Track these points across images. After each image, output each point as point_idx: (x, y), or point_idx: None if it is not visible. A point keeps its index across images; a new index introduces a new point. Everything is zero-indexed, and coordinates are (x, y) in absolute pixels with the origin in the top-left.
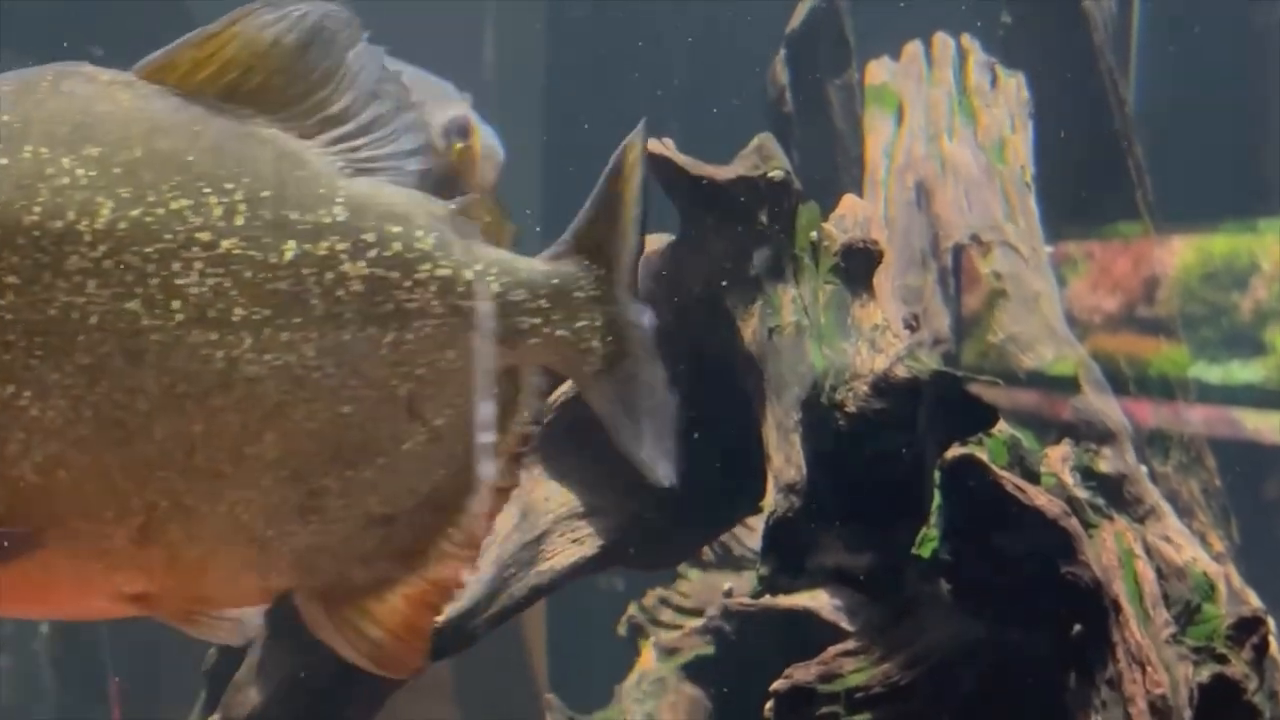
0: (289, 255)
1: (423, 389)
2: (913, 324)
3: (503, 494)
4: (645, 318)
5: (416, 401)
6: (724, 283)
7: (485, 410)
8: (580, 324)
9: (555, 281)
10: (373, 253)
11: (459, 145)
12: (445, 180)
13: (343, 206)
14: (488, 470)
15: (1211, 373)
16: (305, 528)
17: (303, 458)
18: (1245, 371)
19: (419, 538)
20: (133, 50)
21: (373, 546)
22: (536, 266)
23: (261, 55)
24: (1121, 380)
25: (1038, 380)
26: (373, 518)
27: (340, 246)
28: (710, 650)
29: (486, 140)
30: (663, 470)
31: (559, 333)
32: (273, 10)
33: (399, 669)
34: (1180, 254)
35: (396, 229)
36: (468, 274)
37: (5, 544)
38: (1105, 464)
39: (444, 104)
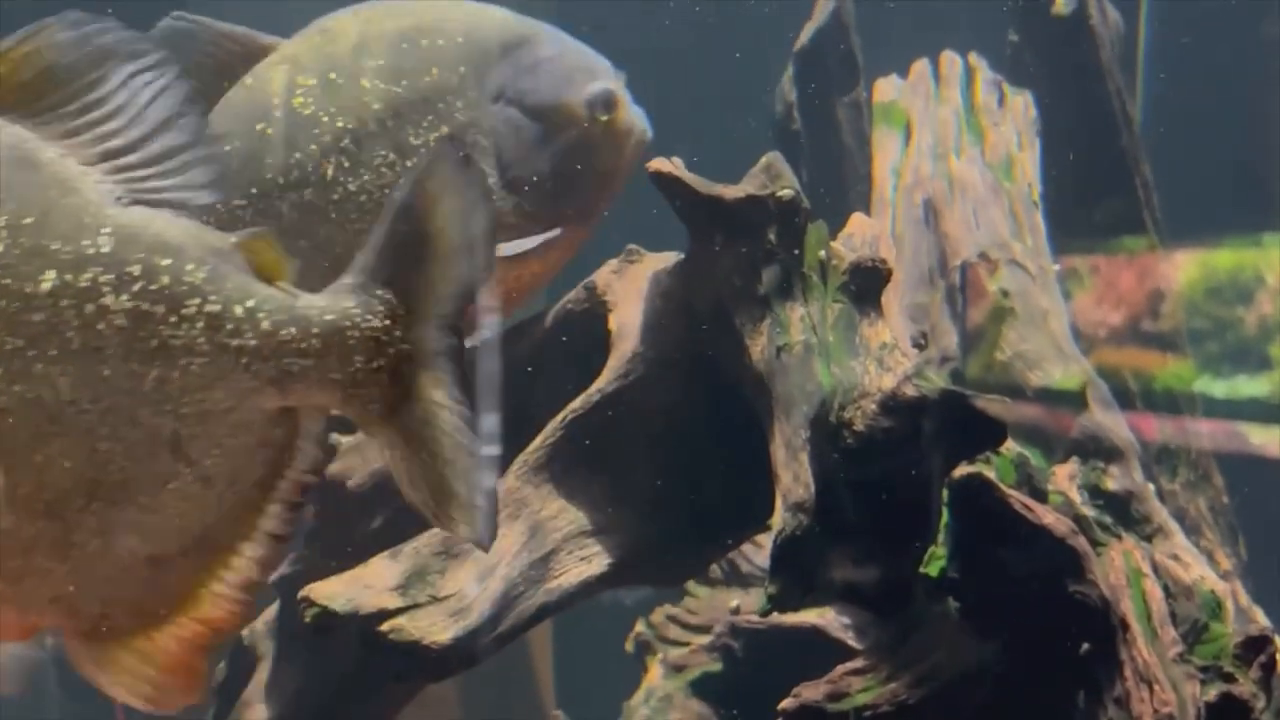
0: (47, 285)
1: (188, 429)
2: (921, 342)
3: (278, 540)
4: (450, 359)
5: (182, 441)
6: (733, 301)
7: (258, 454)
8: (356, 366)
9: (330, 319)
10: (137, 286)
11: (602, 118)
12: (582, 151)
13: (109, 237)
14: (263, 517)
15: (1217, 387)
16: (63, 565)
17: (58, 494)
18: (1251, 386)
19: (189, 579)
20: None
21: (139, 586)
22: (315, 304)
23: (47, 76)
24: (1128, 396)
25: (1045, 398)
26: (137, 557)
27: (103, 278)
28: (718, 667)
29: (631, 117)
30: (466, 529)
31: (332, 375)
32: (70, 31)
33: (171, 706)
34: (1186, 269)
35: (165, 262)
36: (238, 310)
37: None
38: (1113, 482)
39: (591, 76)
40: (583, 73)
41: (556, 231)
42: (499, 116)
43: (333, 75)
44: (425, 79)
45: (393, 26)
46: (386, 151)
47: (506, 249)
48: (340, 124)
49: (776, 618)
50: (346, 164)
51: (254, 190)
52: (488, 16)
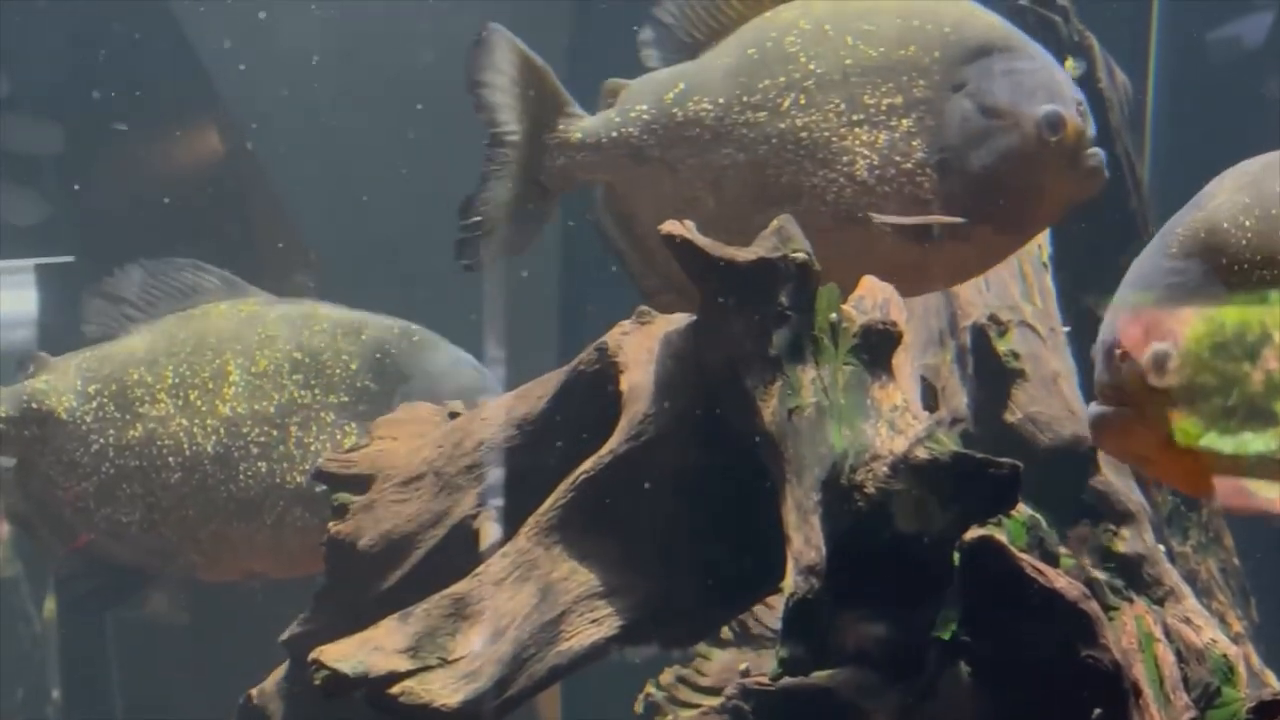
0: None
1: None
2: (932, 404)
3: None
4: None
5: None
6: (744, 363)
7: None
8: None
9: None
10: None
11: (1051, 139)
12: (1023, 163)
13: None
14: None
15: (1224, 444)
16: None
17: None
18: (1258, 442)
19: None
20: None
21: None
22: None
23: None
24: None
25: (1056, 460)
26: None
27: None
28: None
29: (1085, 150)
30: None
31: None
32: None
33: None
34: (1191, 325)
35: None
36: None
37: None
38: (1124, 545)
39: (1051, 97)
40: (1045, 91)
41: (958, 220)
42: (954, 105)
43: (827, 27)
44: (900, 52)
45: (895, 3)
46: (839, 101)
47: (903, 220)
48: (811, 66)
49: (788, 680)
50: (802, 101)
51: (721, 100)
52: (980, 19)
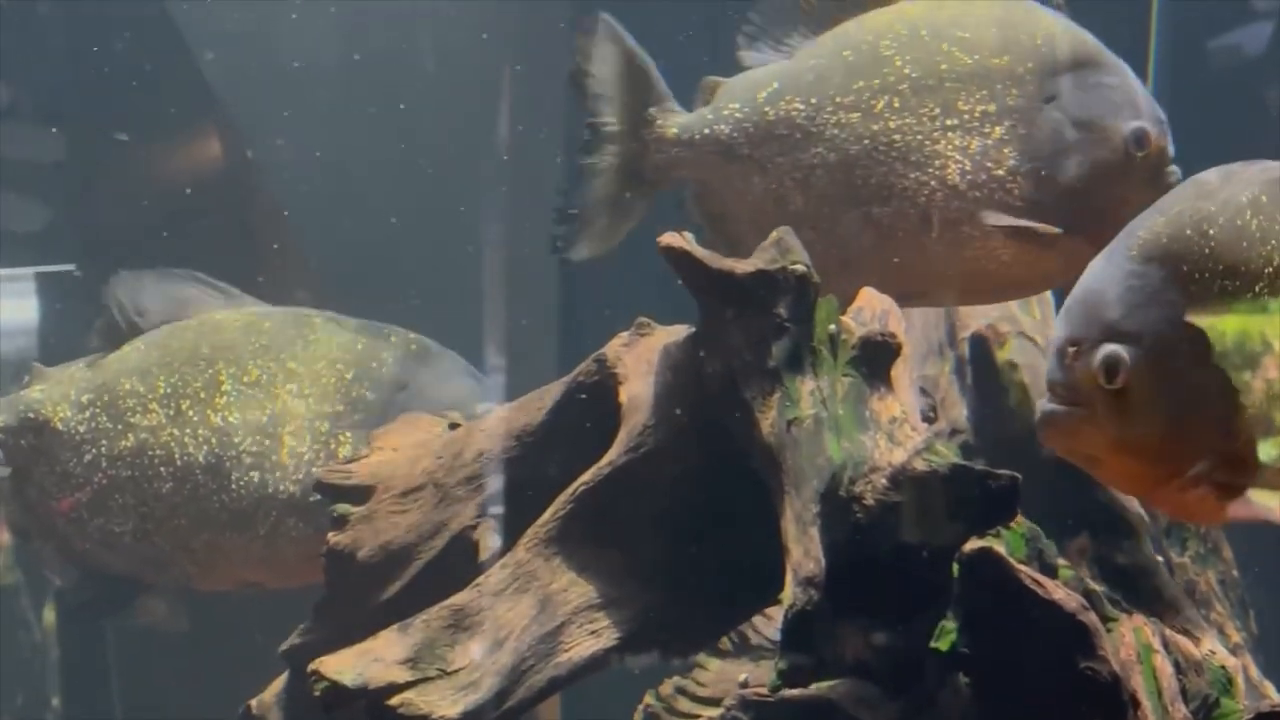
0: None
1: None
2: (930, 415)
3: None
4: None
5: None
6: (743, 374)
7: None
8: None
9: None
10: None
11: (1138, 154)
12: (1108, 176)
13: None
14: None
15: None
16: None
17: None
18: (1259, 452)
19: None
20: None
21: None
22: None
23: None
24: None
25: (1055, 472)
26: None
27: None
28: None
29: (1165, 167)
30: None
31: None
32: None
33: None
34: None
35: None
36: None
37: None
38: (1123, 556)
39: (1137, 114)
40: (1132, 107)
41: (1055, 231)
42: (1045, 115)
43: (923, 32)
44: (994, 61)
45: (988, 12)
46: (934, 106)
47: (996, 219)
48: (906, 70)
49: (787, 692)
50: (896, 104)
51: (813, 100)
52: (1070, 33)
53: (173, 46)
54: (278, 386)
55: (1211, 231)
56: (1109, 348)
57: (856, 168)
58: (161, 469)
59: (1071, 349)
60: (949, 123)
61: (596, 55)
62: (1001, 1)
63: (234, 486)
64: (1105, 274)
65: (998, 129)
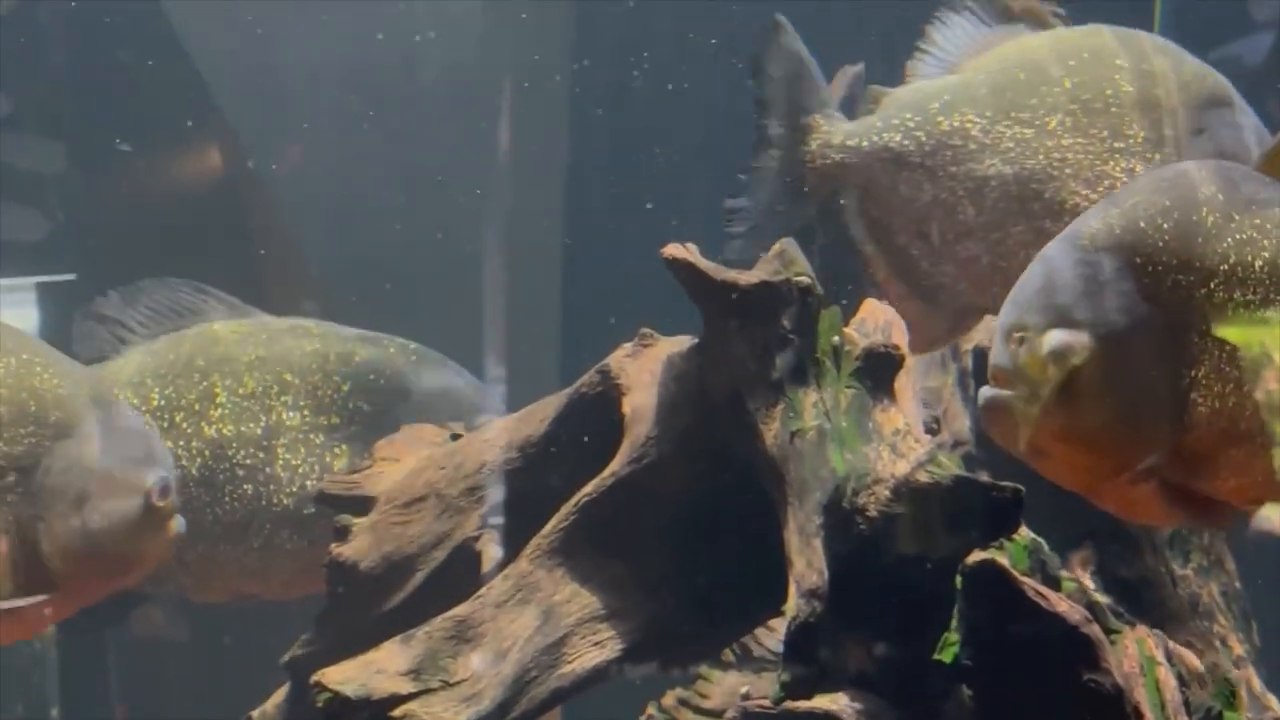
0: None
1: None
2: (934, 427)
3: None
4: None
5: None
6: (746, 386)
7: None
8: None
9: None
10: None
11: None
12: None
13: None
14: None
15: None
16: None
17: None
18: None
19: None
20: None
21: None
22: None
23: None
24: None
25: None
26: None
27: None
28: None
29: None
30: None
31: None
32: None
33: None
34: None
35: None
36: None
37: None
38: (1126, 568)
39: (1260, 145)
40: (1258, 142)
41: None
42: (1195, 147)
43: (1085, 55)
44: (1155, 89)
45: (1141, 44)
46: (1103, 128)
47: None
48: (1077, 92)
49: (789, 703)
50: (1069, 123)
51: (988, 113)
52: (1212, 74)
53: (174, 56)
54: (273, 399)
55: (1166, 225)
56: (1058, 334)
57: (1031, 182)
58: None
59: (1018, 334)
60: (1117, 145)
61: (772, 58)
62: (1150, 36)
63: (228, 499)
64: (1056, 261)
65: (1157, 156)
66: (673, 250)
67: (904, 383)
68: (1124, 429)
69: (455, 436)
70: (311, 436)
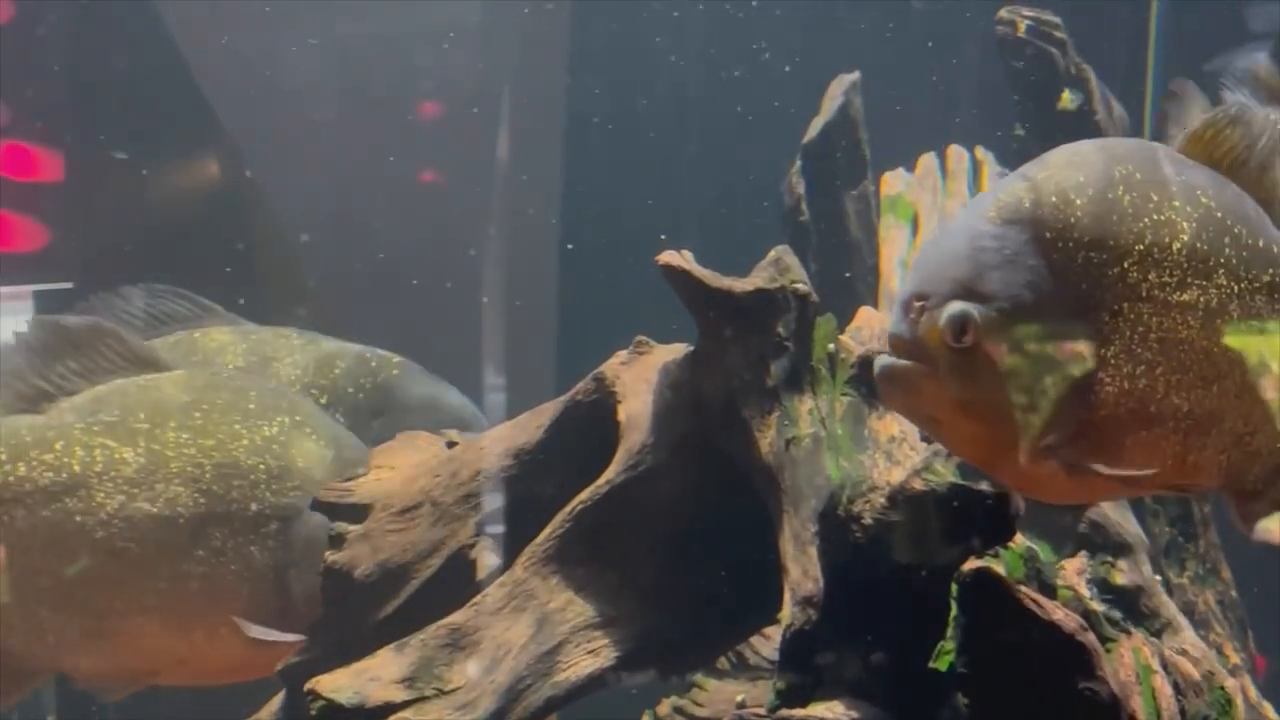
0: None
1: None
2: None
3: None
4: None
5: None
6: (741, 393)
7: None
8: None
9: None
10: None
11: None
12: None
13: None
14: None
15: None
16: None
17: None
18: None
19: None
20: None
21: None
22: None
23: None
24: None
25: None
26: None
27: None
28: None
29: None
30: None
31: None
32: None
33: None
34: None
35: None
36: None
37: None
38: (1121, 576)
39: None
40: None
41: None
42: None
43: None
44: None
45: None
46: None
47: None
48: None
49: (785, 712)
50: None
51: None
52: None
53: (172, 65)
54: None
55: (1079, 201)
56: (957, 305)
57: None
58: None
59: (918, 304)
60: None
61: (1177, 121)
62: None
63: None
64: (960, 232)
65: None
66: (668, 257)
67: None
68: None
69: (451, 444)
70: None
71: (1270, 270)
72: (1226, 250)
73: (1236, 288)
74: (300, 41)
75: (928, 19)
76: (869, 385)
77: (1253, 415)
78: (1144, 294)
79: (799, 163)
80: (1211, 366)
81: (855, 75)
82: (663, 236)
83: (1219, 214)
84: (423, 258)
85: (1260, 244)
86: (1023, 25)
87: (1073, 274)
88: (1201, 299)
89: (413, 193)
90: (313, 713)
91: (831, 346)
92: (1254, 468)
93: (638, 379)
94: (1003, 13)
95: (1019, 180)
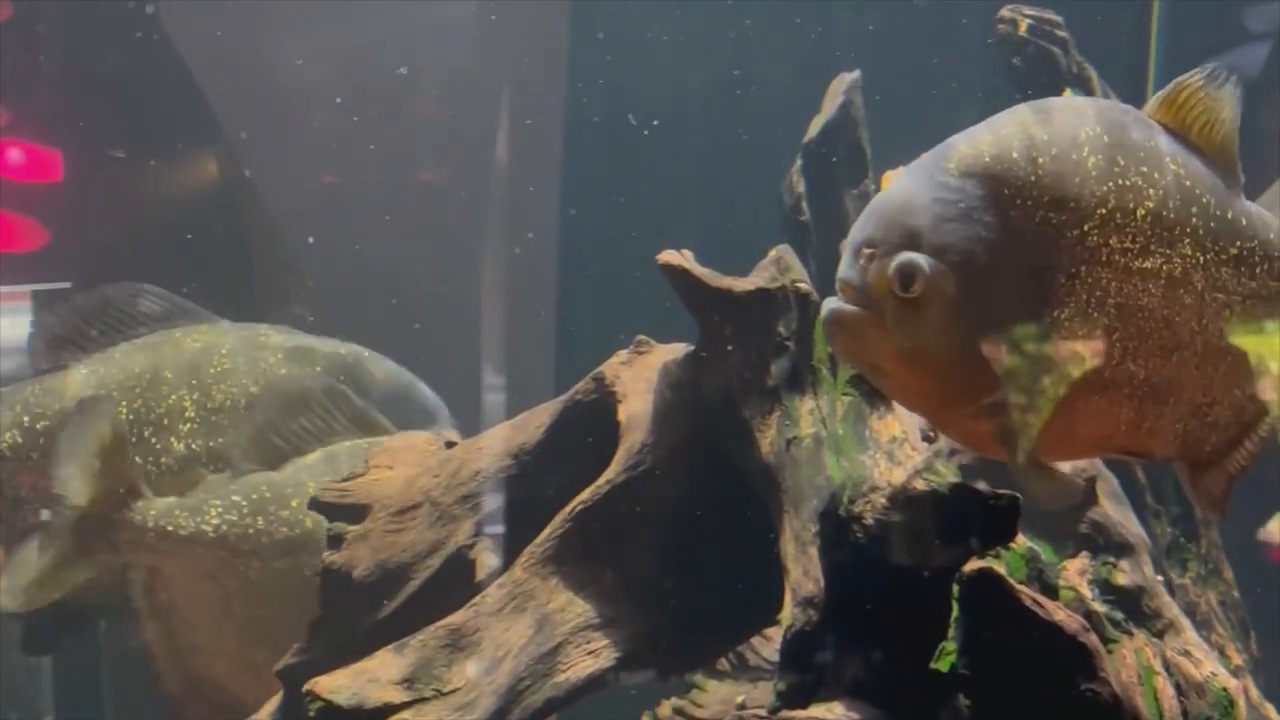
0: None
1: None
2: (930, 435)
3: None
4: None
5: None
6: (742, 393)
7: None
8: None
9: None
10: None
11: None
12: None
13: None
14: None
15: None
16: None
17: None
18: None
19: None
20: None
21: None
22: None
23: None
24: (1137, 488)
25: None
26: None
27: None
28: None
29: None
30: None
31: None
32: None
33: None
34: None
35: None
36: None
37: None
38: (1123, 577)
39: None
40: None
41: None
42: None
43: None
44: None
45: None
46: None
47: None
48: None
49: (785, 712)
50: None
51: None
52: None
53: (170, 65)
54: (240, 412)
55: (1041, 160)
56: (906, 255)
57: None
58: None
59: (868, 250)
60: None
61: None
62: None
63: None
64: (916, 182)
65: None
66: (668, 257)
67: None
68: (969, 360)
69: (450, 444)
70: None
71: (1238, 242)
72: (1193, 219)
73: (1202, 258)
74: (299, 41)
75: (929, 17)
76: (870, 386)
77: (1212, 386)
78: (1104, 258)
79: (800, 162)
80: (1172, 335)
81: (856, 74)
82: (662, 237)
83: (1187, 182)
84: (422, 257)
85: (1229, 215)
86: (1024, 24)
87: (1030, 233)
88: (1164, 267)
89: (412, 192)
90: (311, 713)
91: None
92: (1211, 438)
93: (638, 379)
94: (1004, 11)
95: (983, 132)
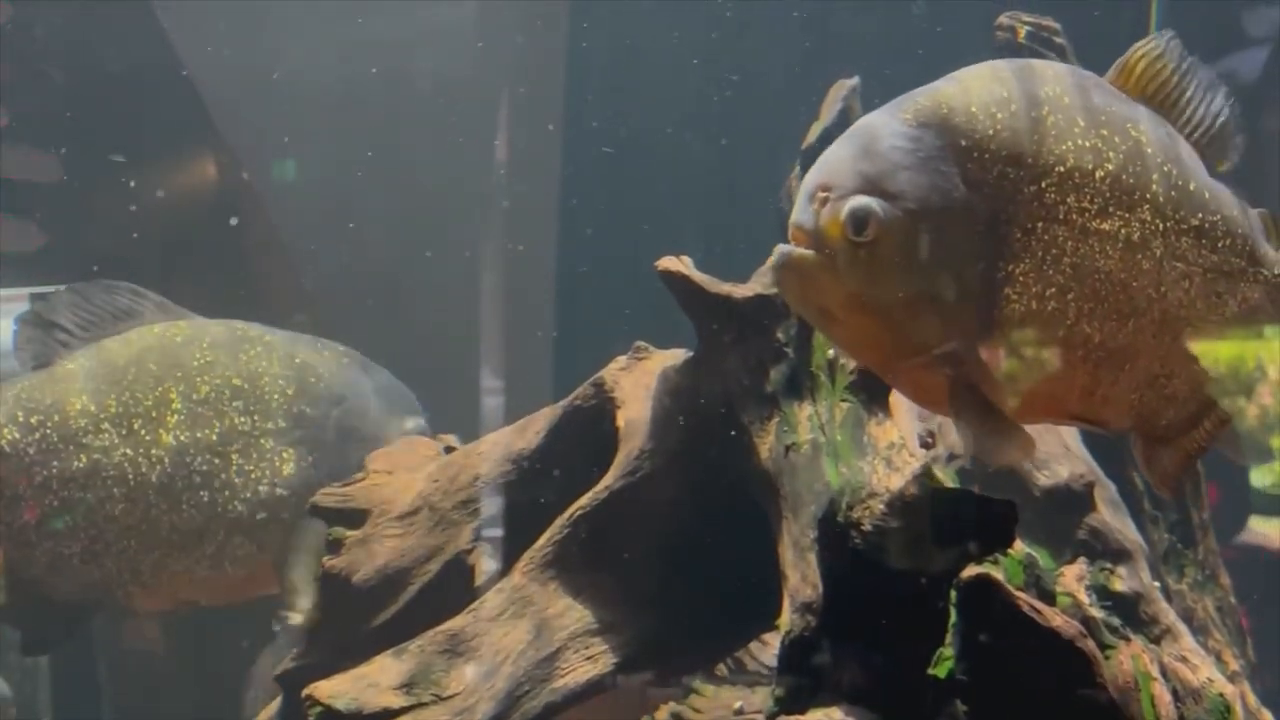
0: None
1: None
2: (929, 441)
3: None
4: None
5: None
6: (741, 399)
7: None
8: None
9: None
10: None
11: None
12: None
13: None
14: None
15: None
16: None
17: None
18: (1255, 478)
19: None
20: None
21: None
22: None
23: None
24: (1135, 495)
25: (1053, 498)
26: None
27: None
28: None
29: None
30: None
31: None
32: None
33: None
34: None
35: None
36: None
37: None
38: (1120, 583)
39: None
40: None
41: None
42: None
43: None
44: None
45: None
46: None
47: None
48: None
49: (783, 718)
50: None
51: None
52: None
53: (170, 69)
54: (224, 404)
55: (1000, 115)
56: (860, 199)
57: None
58: (115, 490)
59: (822, 194)
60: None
61: None
62: None
63: (185, 507)
64: (874, 129)
65: None
66: (667, 263)
67: (898, 396)
68: (920, 310)
69: (449, 449)
70: (261, 441)
71: (1199, 214)
72: (1154, 186)
73: (1161, 225)
74: (298, 44)
75: (928, 23)
76: (868, 391)
77: (1170, 358)
78: (1061, 216)
79: (798, 167)
80: (1128, 300)
81: (855, 80)
82: (661, 241)
83: (1149, 150)
84: (421, 261)
85: (1191, 187)
86: (1023, 30)
87: (986, 186)
88: (1123, 230)
89: (411, 195)
90: (311, 718)
91: (831, 352)
92: (1167, 412)
93: (637, 384)
94: (1003, 18)
95: (946, 84)
